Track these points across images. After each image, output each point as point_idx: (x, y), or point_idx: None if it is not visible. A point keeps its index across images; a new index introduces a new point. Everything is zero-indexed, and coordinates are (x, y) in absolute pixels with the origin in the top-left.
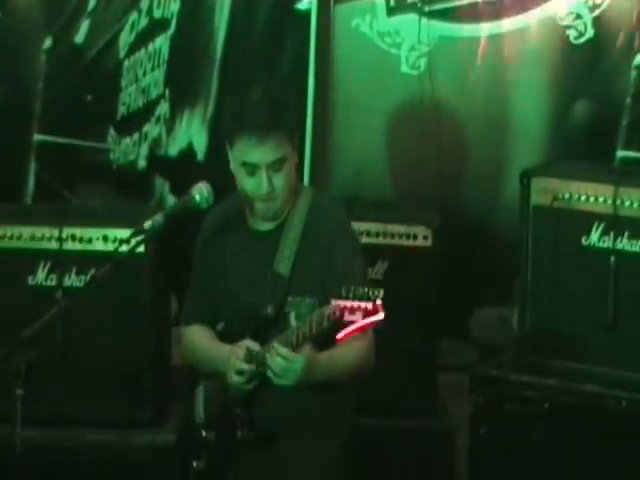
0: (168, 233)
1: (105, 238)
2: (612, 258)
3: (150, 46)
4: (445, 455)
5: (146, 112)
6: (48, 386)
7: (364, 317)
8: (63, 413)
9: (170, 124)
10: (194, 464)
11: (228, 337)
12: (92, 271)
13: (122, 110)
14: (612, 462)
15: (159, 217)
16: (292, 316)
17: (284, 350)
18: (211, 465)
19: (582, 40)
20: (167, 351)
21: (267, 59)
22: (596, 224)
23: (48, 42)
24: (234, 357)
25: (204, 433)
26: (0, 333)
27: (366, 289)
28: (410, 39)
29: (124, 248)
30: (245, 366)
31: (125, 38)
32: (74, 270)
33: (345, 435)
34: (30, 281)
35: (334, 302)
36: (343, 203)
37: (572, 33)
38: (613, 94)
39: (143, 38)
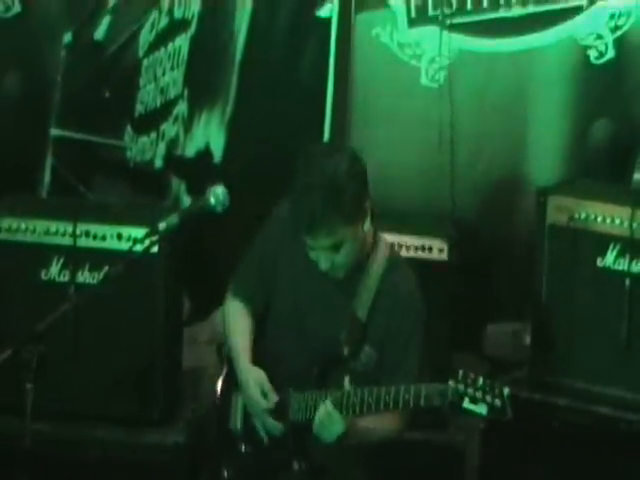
0: (182, 233)
1: (119, 236)
2: (627, 280)
3: (170, 46)
4: (456, 469)
5: (164, 111)
6: (59, 381)
7: (490, 413)
8: (73, 408)
9: (188, 124)
10: (225, 472)
11: (288, 358)
12: (105, 268)
13: (140, 108)
14: None
15: (174, 218)
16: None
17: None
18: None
19: (603, 60)
20: (178, 351)
21: (287, 64)
22: (612, 246)
23: (68, 37)
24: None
25: (243, 447)
26: (12, 327)
27: (490, 381)
28: (430, 51)
29: (138, 247)
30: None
31: (145, 36)
32: (87, 266)
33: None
34: (43, 276)
35: (453, 384)
36: None
37: (592, 53)
38: (633, 115)
39: (163, 37)
